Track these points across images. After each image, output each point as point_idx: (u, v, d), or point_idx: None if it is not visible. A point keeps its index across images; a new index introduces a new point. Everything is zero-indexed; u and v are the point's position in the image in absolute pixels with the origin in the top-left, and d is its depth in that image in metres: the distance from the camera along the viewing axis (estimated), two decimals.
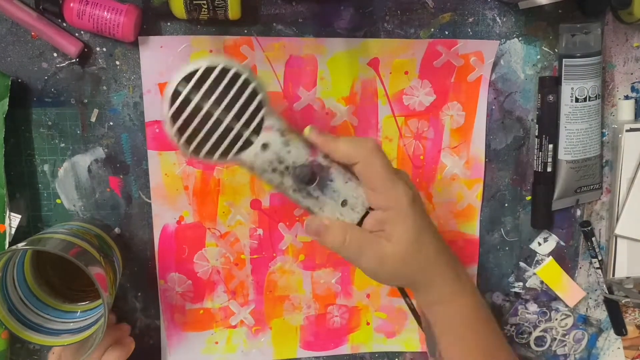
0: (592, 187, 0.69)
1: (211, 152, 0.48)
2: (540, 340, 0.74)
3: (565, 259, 0.71)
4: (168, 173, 0.63)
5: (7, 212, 0.60)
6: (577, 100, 0.65)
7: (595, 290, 0.73)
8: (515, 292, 0.72)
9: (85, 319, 0.59)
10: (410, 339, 0.71)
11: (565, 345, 0.74)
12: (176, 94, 0.47)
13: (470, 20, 0.64)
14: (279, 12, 0.62)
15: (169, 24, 0.60)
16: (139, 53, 0.60)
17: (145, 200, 0.64)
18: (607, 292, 0.72)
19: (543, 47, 0.66)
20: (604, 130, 0.69)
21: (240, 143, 0.48)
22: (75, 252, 0.53)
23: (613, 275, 0.69)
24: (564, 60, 0.64)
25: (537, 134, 0.67)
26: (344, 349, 0.70)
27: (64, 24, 0.59)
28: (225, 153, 0.48)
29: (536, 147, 0.67)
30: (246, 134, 0.48)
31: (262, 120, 0.48)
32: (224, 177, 0.64)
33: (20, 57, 0.59)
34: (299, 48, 0.62)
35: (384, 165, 0.49)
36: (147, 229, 0.65)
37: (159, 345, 0.68)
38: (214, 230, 0.65)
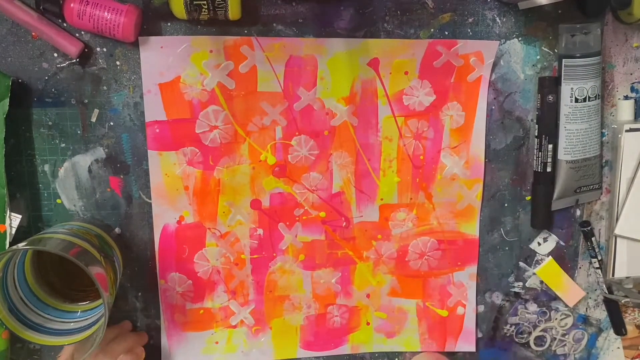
0: (591, 187, 0.69)
1: None
2: (540, 340, 0.74)
3: (565, 259, 0.71)
4: (168, 173, 0.63)
5: (8, 212, 0.60)
6: (576, 100, 0.65)
7: (595, 290, 0.73)
8: (515, 292, 0.72)
9: (86, 319, 0.59)
10: (410, 339, 0.71)
11: (565, 345, 0.74)
12: None
13: (470, 20, 0.64)
14: (279, 12, 0.62)
15: (169, 24, 0.60)
16: (139, 53, 0.60)
17: (146, 200, 0.64)
18: (606, 292, 0.72)
19: (543, 47, 0.66)
20: (603, 131, 0.69)
21: None
22: (75, 252, 0.53)
23: (613, 275, 0.69)
24: (563, 60, 0.64)
25: (536, 134, 0.67)
26: (344, 349, 0.71)
27: (65, 24, 0.59)
28: None
29: (536, 147, 0.67)
30: None
31: None
32: (224, 177, 0.64)
33: (20, 57, 0.59)
34: (299, 48, 0.62)
35: None
36: (147, 229, 0.65)
37: (159, 345, 0.68)
38: (214, 230, 0.66)
